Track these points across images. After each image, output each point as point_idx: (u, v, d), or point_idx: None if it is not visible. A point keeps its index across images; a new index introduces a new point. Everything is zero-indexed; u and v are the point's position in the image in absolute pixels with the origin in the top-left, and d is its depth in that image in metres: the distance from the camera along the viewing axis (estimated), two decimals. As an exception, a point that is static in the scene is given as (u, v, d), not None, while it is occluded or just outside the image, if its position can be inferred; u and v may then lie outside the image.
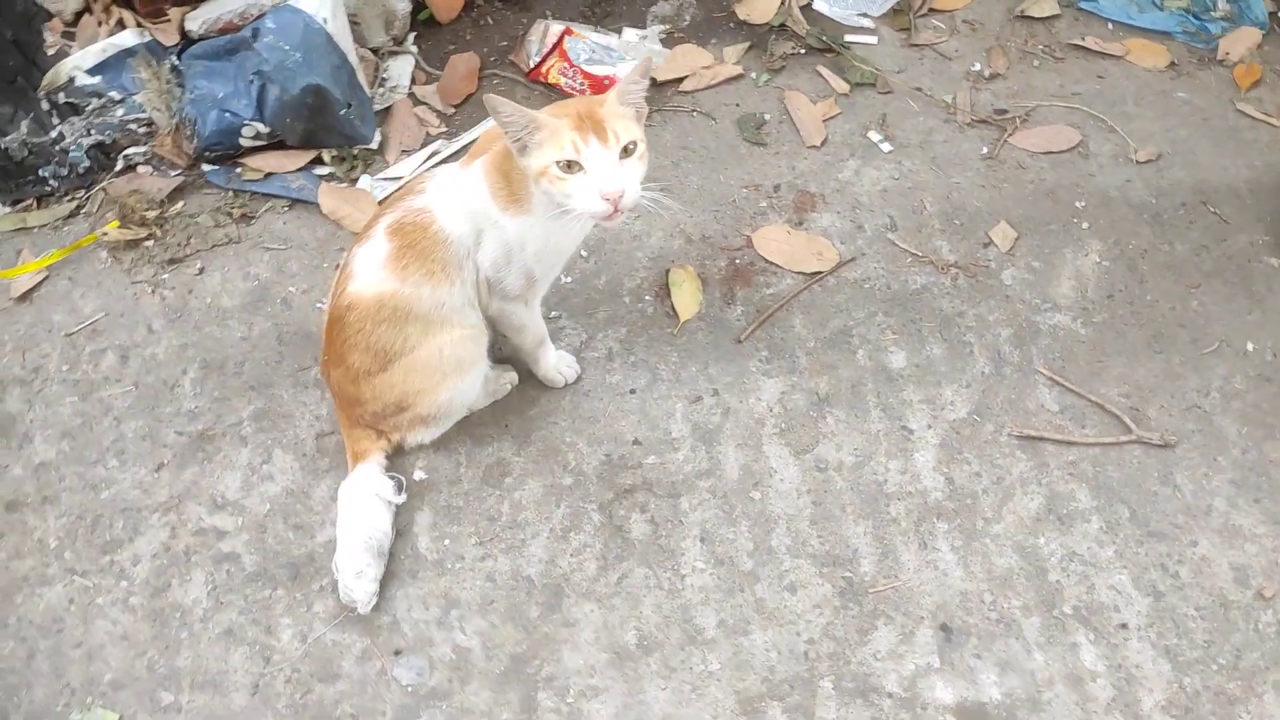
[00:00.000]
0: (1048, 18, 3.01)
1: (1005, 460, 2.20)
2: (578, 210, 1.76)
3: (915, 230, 2.58)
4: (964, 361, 2.35)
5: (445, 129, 2.78)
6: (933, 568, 2.07)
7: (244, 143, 2.59)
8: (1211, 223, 2.58)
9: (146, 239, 2.52)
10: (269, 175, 2.63)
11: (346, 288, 2.00)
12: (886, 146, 2.74)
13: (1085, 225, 2.57)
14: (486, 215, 1.94)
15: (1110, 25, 3.00)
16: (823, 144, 2.75)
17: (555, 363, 2.28)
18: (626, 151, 1.76)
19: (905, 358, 2.36)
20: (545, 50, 2.84)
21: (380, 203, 2.51)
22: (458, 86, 2.84)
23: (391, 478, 2.10)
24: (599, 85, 2.77)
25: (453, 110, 2.81)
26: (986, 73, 2.89)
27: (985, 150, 2.73)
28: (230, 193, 2.62)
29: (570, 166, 1.74)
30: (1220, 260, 2.51)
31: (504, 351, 2.27)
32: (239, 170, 2.63)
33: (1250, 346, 2.36)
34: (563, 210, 1.79)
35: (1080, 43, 2.94)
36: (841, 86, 2.86)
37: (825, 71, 2.89)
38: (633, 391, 2.31)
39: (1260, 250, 2.52)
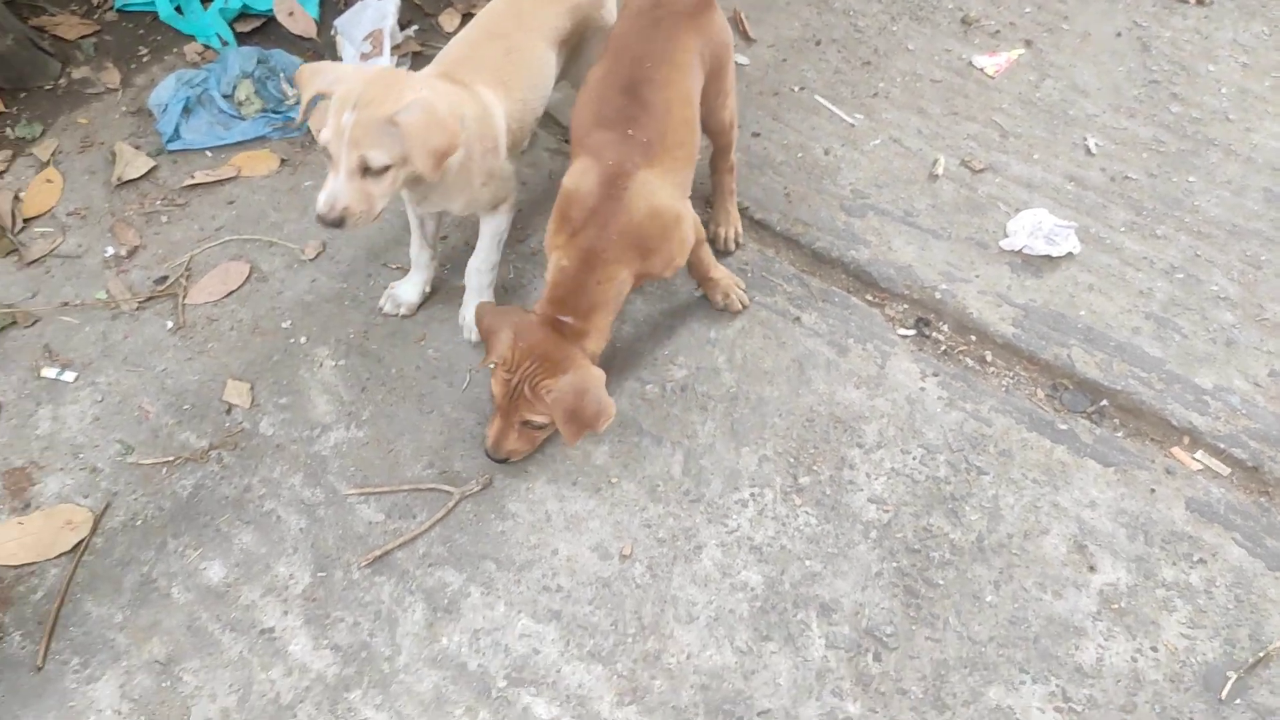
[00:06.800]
0: (146, 174, 2.87)
1: (370, 593, 2.15)
2: None
3: (152, 438, 2.37)
4: (277, 531, 2.23)
5: None
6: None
7: None
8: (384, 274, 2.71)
9: None
10: None
11: None
12: (69, 375, 2.46)
13: (303, 339, 2.56)
14: None
15: (209, 153, 2.94)
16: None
17: None
18: None
19: (221, 565, 2.18)
20: None
21: None
22: None
23: None
24: None
25: None
26: (124, 251, 2.71)
27: (170, 324, 2.58)
28: None
29: None
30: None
31: None
32: None
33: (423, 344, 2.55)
34: None
35: (192, 181, 2.86)
36: (-25, 345, 2.51)
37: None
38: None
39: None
